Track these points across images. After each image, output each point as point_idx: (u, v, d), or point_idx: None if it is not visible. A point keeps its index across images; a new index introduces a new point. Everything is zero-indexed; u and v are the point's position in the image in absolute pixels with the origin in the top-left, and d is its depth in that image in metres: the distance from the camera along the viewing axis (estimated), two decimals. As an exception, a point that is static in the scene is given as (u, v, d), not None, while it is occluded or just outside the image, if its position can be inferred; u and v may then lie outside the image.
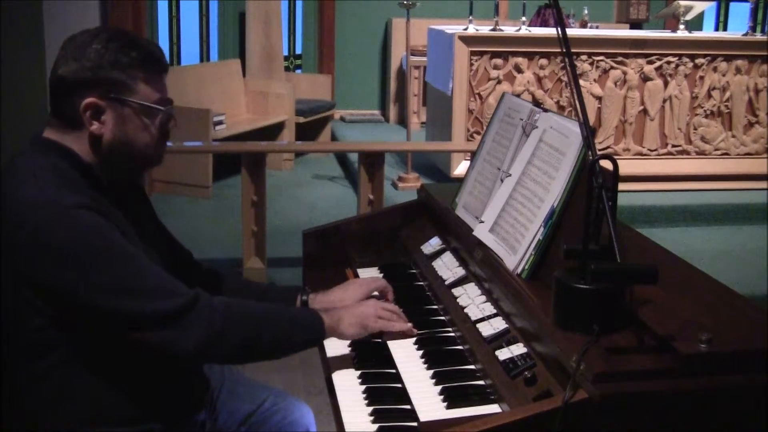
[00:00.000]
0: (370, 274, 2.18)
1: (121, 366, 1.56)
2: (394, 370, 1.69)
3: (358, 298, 1.87)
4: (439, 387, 1.58)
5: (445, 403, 1.52)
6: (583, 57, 5.55)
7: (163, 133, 1.64)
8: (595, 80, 5.59)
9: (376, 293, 1.93)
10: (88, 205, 1.48)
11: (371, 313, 1.75)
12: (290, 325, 1.64)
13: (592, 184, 1.39)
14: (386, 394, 1.62)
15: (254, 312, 1.62)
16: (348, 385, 1.67)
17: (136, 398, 1.58)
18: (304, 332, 1.66)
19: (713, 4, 7.88)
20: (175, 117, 1.67)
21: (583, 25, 6.99)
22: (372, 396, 1.61)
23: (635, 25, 8.26)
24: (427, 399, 1.55)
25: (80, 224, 1.46)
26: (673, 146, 5.75)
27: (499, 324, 1.65)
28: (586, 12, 7.17)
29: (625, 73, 5.61)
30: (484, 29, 5.54)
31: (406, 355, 1.72)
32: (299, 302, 1.88)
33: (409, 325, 1.78)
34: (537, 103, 1.88)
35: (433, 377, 1.62)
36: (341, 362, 1.74)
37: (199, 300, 1.53)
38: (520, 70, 5.48)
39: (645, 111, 5.68)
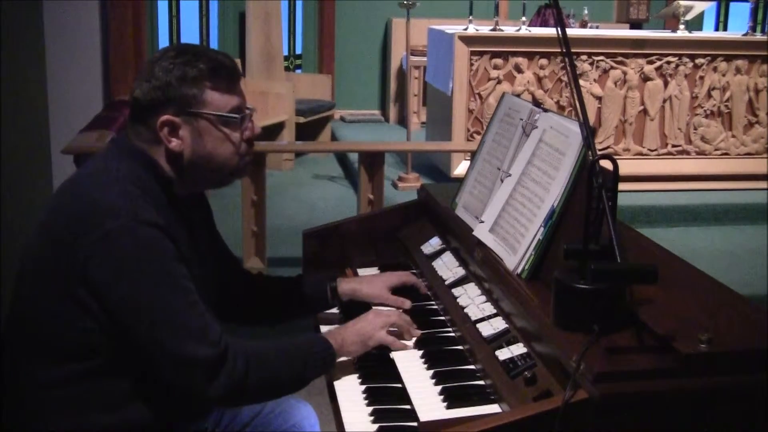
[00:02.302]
0: (369, 274, 2.18)
1: (138, 378, 1.55)
2: (394, 370, 1.69)
3: (382, 293, 1.95)
4: (439, 387, 1.58)
5: (445, 403, 1.52)
6: (583, 57, 5.54)
7: (246, 141, 1.64)
8: (595, 80, 5.58)
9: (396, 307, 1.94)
10: (160, 225, 1.48)
11: (372, 328, 1.75)
12: (304, 362, 1.64)
13: (592, 184, 1.39)
14: (386, 394, 1.62)
15: (272, 357, 1.61)
16: (348, 385, 1.67)
17: (145, 407, 1.57)
18: (316, 364, 1.66)
19: (713, 4, 7.87)
20: (254, 122, 1.67)
21: (583, 25, 6.99)
22: (372, 396, 1.61)
23: (635, 25, 8.25)
24: (427, 399, 1.55)
25: (147, 242, 1.46)
26: (673, 146, 5.74)
27: (499, 324, 1.65)
28: (586, 12, 7.17)
29: (625, 73, 5.60)
30: (484, 29, 5.54)
31: (406, 355, 1.73)
32: (329, 292, 1.95)
33: (410, 344, 1.77)
34: (537, 103, 1.89)
35: (433, 377, 1.62)
36: (341, 362, 1.74)
37: (227, 352, 1.52)
38: (520, 70, 5.48)
39: (645, 111, 5.67)
